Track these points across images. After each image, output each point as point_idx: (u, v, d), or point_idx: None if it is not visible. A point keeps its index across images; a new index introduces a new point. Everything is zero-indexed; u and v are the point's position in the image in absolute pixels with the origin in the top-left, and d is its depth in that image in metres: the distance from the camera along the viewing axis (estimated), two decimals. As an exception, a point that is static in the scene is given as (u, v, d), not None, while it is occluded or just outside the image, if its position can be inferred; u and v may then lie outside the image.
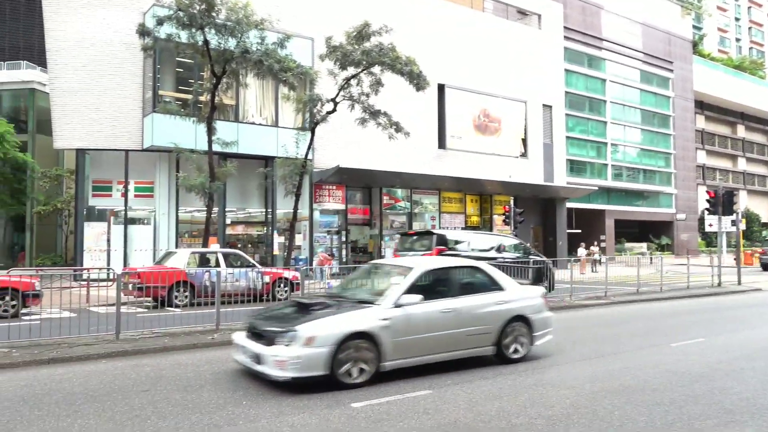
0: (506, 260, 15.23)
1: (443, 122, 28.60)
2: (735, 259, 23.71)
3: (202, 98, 19.82)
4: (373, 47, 19.01)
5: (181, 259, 15.14)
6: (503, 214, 26.44)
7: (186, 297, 14.16)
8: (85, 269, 18.02)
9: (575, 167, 40.89)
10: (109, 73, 21.34)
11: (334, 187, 25.16)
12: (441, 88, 28.26)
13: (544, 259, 17.94)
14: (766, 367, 8.04)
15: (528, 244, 19.78)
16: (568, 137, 37.82)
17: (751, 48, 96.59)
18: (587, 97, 43.27)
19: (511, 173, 30.19)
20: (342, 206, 25.52)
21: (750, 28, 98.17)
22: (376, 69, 19.50)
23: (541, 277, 15.03)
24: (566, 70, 37.83)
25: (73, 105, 21.14)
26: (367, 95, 19.88)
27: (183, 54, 20.07)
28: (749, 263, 35.28)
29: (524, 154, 31.86)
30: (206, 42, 17.34)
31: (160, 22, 17.34)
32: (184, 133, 19.44)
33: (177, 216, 22.10)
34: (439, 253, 15.25)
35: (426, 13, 28.35)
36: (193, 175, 18.51)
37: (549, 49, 34.25)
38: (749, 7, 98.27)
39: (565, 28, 36.90)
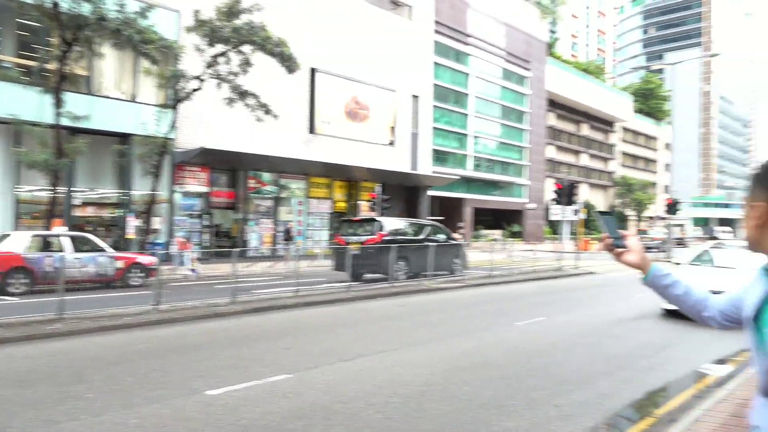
0: (438, 242, 18.22)
1: (314, 107, 28.46)
2: (575, 245, 26.11)
3: (49, 66, 17.99)
4: (243, 25, 18.42)
5: (19, 243, 13.76)
6: (370, 201, 26.93)
7: (23, 284, 12.91)
8: None
9: (439, 157, 42.64)
10: (-67, 29, 18.77)
11: (198, 169, 24.12)
12: (312, 72, 28.08)
13: (461, 241, 20.90)
14: (595, 343, 8.98)
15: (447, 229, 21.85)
16: (434, 128, 39.29)
17: (597, 54, 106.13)
18: (453, 90, 45.20)
19: (379, 160, 30.82)
20: (205, 189, 24.55)
21: (597, 36, 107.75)
22: (246, 48, 18.92)
23: (462, 255, 19.06)
24: (434, 63, 39.18)
25: None
26: (236, 74, 19.25)
27: (28, 16, 18.07)
28: (586, 249, 39.02)
29: (392, 143, 32.62)
30: (56, 5, 15.76)
31: (-3, -23, 15.47)
32: (27, 103, 17.55)
33: (15, 195, 19.97)
34: (382, 238, 16.75)
35: (298, -5, 27.92)
36: (35, 150, 16.82)
37: (419, 41, 35.23)
38: (597, 17, 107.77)
39: (434, 21, 38.14)
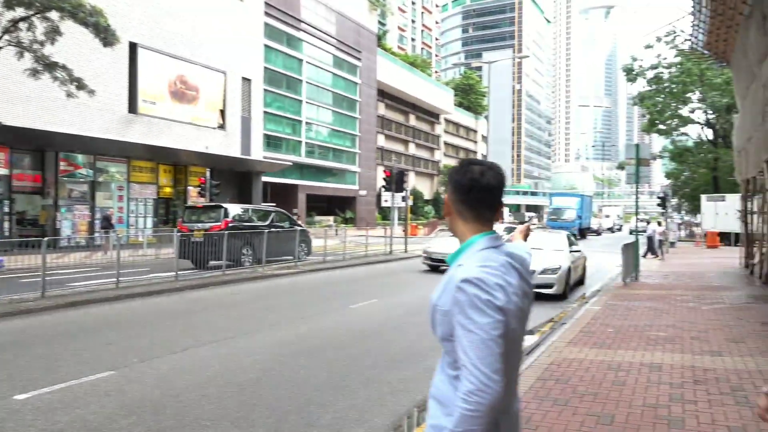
0: (284, 229, 18.66)
1: (135, 85, 26.37)
2: (404, 230, 27.39)
3: None
4: (49, -12, 16.42)
5: None
6: (198, 186, 25.77)
7: None
8: None
9: (272, 142, 42.06)
10: None
11: (-6, 148, 21.20)
12: (133, 48, 25.98)
13: (305, 228, 21.59)
14: (423, 321, 9.53)
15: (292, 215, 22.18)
16: (266, 112, 38.59)
17: (423, 48, 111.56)
18: (285, 75, 44.72)
19: (209, 144, 29.54)
20: (5, 171, 21.67)
21: (422, 31, 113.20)
22: (54, 15, 16.92)
23: (307, 241, 19.65)
24: (266, 46, 38.39)
25: None
26: (42, 43, 17.15)
27: None
28: (414, 234, 41.19)
29: (222, 126, 31.44)
30: None
31: None
32: None
33: None
34: (227, 225, 16.49)
35: (115, -39, 25.58)
36: None
37: (250, 23, 34.21)
38: (422, 13, 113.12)
39: (266, 4, 37.30)
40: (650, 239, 25.46)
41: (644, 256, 24.86)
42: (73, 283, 12.44)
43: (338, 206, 52.64)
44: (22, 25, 16.76)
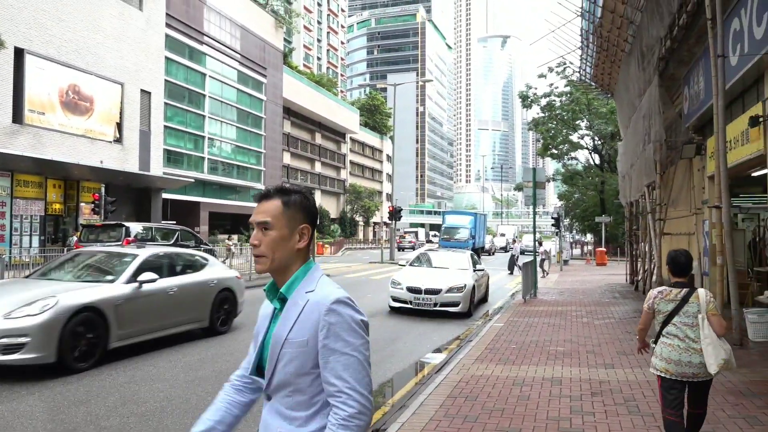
0: (189, 248, 17.17)
1: (21, 93, 24.55)
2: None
3: None
4: None
5: None
6: (92, 203, 24.31)
7: None
8: None
9: (173, 158, 40.56)
10: None
11: None
12: (19, 53, 24.24)
13: (211, 247, 21.38)
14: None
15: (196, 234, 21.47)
16: (166, 127, 37.19)
17: (328, 68, 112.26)
18: (188, 89, 43.38)
19: (103, 159, 27.99)
20: None
21: (328, 51, 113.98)
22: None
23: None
24: (167, 59, 37.12)
25: None
26: None
27: None
28: (321, 253, 41.05)
29: (119, 140, 29.92)
30: None
31: None
32: None
33: None
34: (128, 243, 15.65)
35: (2, -39, 23.89)
36: None
37: (150, 34, 32.96)
38: (328, 33, 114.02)
39: (167, 14, 36.14)
40: (513, 257, 27.83)
41: (510, 272, 26.55)
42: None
43: (243, 224, 51.42)
44: None
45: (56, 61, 25.94)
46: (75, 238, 19.86)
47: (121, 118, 29.92)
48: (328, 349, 1.60)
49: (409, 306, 12.54)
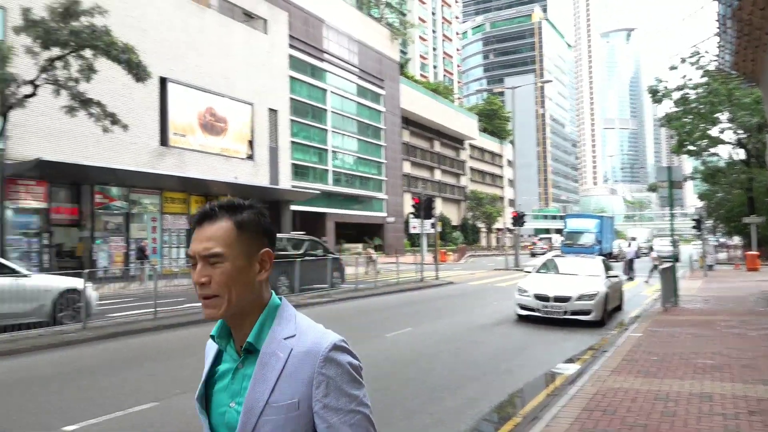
0: (316, 257, 18.67)
1: (166, 118, 27.02)
2: (434, 257, 27.26)
3: None
4: (83, 28, 17.01)
5: None
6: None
7: None
8: None
9: (299, 171, 42.50)
10: None
11: (33, 183, 21.78)
12: (163, 82, 26.69)
13: (338, 256, 21.53)
14: (460, 349, 9.42)
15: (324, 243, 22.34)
16: (292, 142, 39.09)
17: (444, 75, 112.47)
18: (311, 105, 45.36)
19: (238, 175, 29.99)
20: (43, 204, 22.24)
21: (444, 59, 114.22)
22: (88, 53, 17.50)
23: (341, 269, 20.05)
24: (291, 77, 39.07)
25: None
26: (77, 81, 17.71)
27: None
28: (444, 260, 41.01)
29: (251, 157, 31.93)
30: None
31: None
32: None
33: None
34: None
35: (148, 2, 26.47)
36: None
37: (275, 55, 34.94)
38: (443, 41, 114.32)
39: (290, 36, 38.09)
40: (630, 261, 25.70)
41: (629, 278, 24.48)
42: (112, 314, 12.62)
43: (367, 233, 52.70)
44: (58, 64, 17.36)
45: (194, 86, 28.23)
46: None
47: (252, 136, 31.92)
48: (330, 410, 1.27)
49: (536, 314, 12.15)
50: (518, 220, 33.20)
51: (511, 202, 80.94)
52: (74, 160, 21.81)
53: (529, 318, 12.31)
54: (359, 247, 48.44)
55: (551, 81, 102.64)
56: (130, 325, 11.37)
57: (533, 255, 47.85)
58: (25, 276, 10.92)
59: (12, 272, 10.77)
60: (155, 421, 5.66)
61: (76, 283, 11.56)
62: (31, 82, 17.13)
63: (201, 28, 29.25)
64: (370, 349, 9.38)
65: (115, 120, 18.51)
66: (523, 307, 12.47)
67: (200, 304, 1.35)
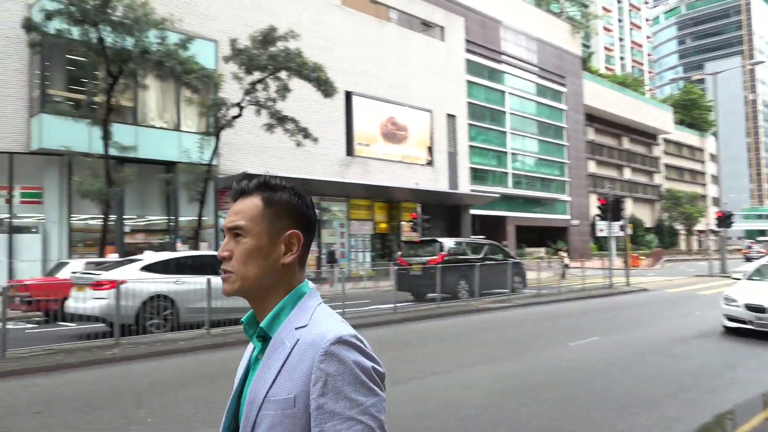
0: (497, 261, 18.42)
1: (351, 129, 28.74)
2: (624, 261, 25.43)
3: (96, 99, 18.69)
4: (279, 52, 18.78)
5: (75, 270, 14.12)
6: (411, 221, 26.89)
7: (80, 310, 13.24)
8: (-39, 283, 16.41)
9: (478, 175, 42.41)
10: (-10, 69, 19.64)
11: (241, 194, 24.52)
12: (348, 96, 28.41)
13: (519, 260, 21.08)
14: (655, 363, 8.65)
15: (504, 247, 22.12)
16: (471, 146, 39.15)
17: (633, 66, 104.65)
18: (488, 108, 45.07)
19: (418, 181, 30.82)
20: (250, 214, 24.92)
21: (632, 48, 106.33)
22: (283, 74, 19.28)
23: (522, 274, 19.37)
24: (468, 82, 39.18)
25: (-53, 103, 19.27)
26: (274, 100, 19.59)
27: (75, 51, 18.87)
28: (636, 265, 38.03)
29: (430, 162, 32.62)
30: (101, 40, 16.39)
31: (48, 16, 16.19)
32: (78, 135, 18.25)
33: (69, 224, 20.66)
34: (443, 258, 16.93)
35: (332, 21, 28.42)
36: (87, 180, 17.39)
37: (452, 61, 35.34)
38: (630, 29, 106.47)
39: (466, 41, 38.24)
40: None
41: None
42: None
43: (549, 237, 50.90)
44: (259, 86, 19.34)
45: (376, 98, 29.62)
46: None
47: (431, 142, 32.61)
48: (324, 413, 1.11)
49: (748, 327, 10.72)
50: (724, 220, 29.65)
51: (715, 201, 72.67)
52: (272, 172, 24.07)
53: (738, 331, 10.90)
54: (541, 251, 46.89)
55: (763, 62, 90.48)
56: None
57: (748, 260, 42.38)
58: None
59: None
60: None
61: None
62: (238, 105, 19.31)
63: (382, 41, 30.62)
64: (552, 358, 9.02)
65: (307, 134, 20.13)
66: (731, 319, 11.08)
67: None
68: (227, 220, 1.29)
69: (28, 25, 16.58)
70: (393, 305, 14.24)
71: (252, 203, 1.29)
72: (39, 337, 10.72)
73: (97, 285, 10.43)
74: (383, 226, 30.54)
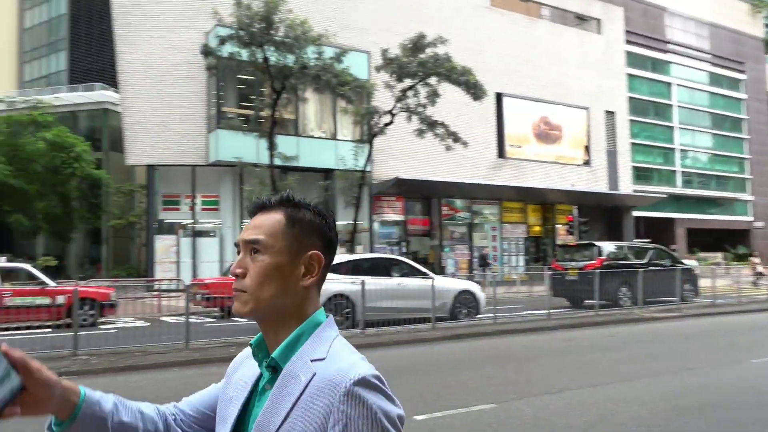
0: (664, 267, 17.05)
1: (502, 131, 28.29)
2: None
3: (263, 113, 20.36)
4: (428, 58, 19.04)
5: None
6: (566, 224, 25.84)
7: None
8: (156, 280, 18.73)
9: (641, 174, 39.55)
10: (176, 91, 22.21)
11: (394, 199, 25.24)
12: (499, 97, 27.99)
13: (690, 266, 19.59)
14: None
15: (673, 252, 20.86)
16: (633, 143, 36.64)
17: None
18: (652, 102, 41.88)
19: (574, 182, 29.47)
20: (401, 217, 25.55)
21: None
22: (432, 80, 19.52)
23: (694, 281, 17.82)
24: (629, 75, 36.73)
25: (143, 123, 22.10)
26: (424, 106, 19.89)
27: (244, 71, 20.71)
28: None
29: (587, 162, 31.06)
30: (266, 59, 17.82)
31: (222, 41, 18.00)
32: (247, 147, 20.01)
33: (241, 228, 22.62)
34: (602, 263, 16.20)
35: (481, 23, 28.21)
36: (256, 188, 18.99)
37: (610, 54, 33.35)
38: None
39: (626, 32, 35.88)
40: None
41: None
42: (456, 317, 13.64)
43: (727, 241, 45.97)
44: (409, 93, 19.76)
45: (528, 98, 28.89)
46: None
47: (588, 141, 31.06)
48: None
49: None
50: None
51: None
52: (424, 177, 24.46)
53: None
54: (718, 256, 42.45)
55: None
56: (472, 327, 12.16)
57: None
58: (430, 278, 12.76)
59: (422, 274, 12.74)
60: (493, 422, 5.90)
61: (471, 285, 13.51)
62: (389, 112, 19.89)
63: (533, 39, 29.80)
64: (726, 375, 8.13)
65: (456, 138, 20.18)
66: None
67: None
68: (244, 233, 1.19)
69: (206, 51, 18.55)
70: (547, 311, 13.73)
71: (274, 218, 1.19)
72: (216, 331, 11.85)
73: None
74: (537, 229, 29.63)
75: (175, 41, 22.22)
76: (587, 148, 31.18)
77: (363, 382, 1.03)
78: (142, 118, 22.11)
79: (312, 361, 1.09)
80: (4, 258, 16.53)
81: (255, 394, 1.17)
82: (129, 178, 29.63)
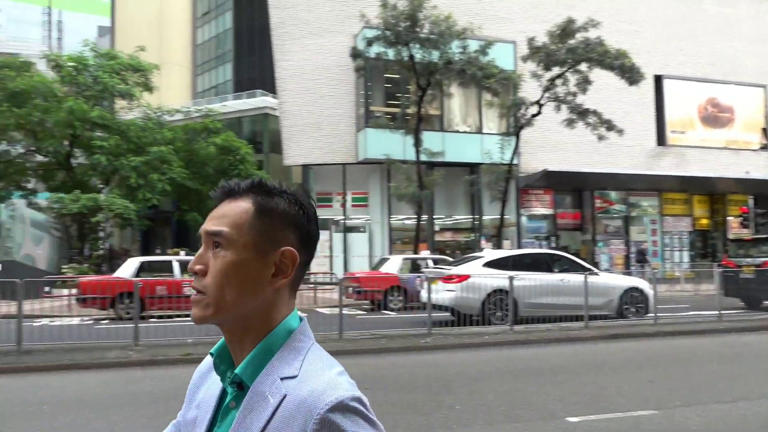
0: None
1: (662, 117, 26.16)
2: None
3: (409, 111, 20.76)
4: (578, 44, 18.20)
5: (394, 265, 15.94)
6: (740, 216, 23.32)
7: (400, 301, 14.88)
8: (312, 273, 19.92)
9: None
10: (327, 93, 23.34)
11: (542, 192, 24.44)
12: (658, 80, 25.90)
13: None
14: None
15: None
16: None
17: None
18: None
19: (749, 169, 26.46)
20: (550, 211, 24.68)
21: None
22: (583, 66, 18.61)
23: None
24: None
25: (298, 126, 23.52)
26: (574, 94, 19.05)
27: (390, 70, 21.25)
28: None
29: (765, 147, 27.75)
30: (411, 57, 18.16)
31: (369, 43, 18.63)
32: (394, 144, 20.52)
33: (389, 224, 23.35)
34: None
35: (637, 2, 26.26)
36: (402, 184, 19.45)
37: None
38: None
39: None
40: None
41: None
42: (611, 317, 12.93)
43: None
44: (558, 81, 19.01)
45: (691, 78, 26.46)
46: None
47: (766, 123, 27.77)
48: None
49: None
50: None
51: None
52: (575, 168, 23.39)
53: None
54: None
55: None
56: (629, 328, 11.45)
57: None
58: (596, 274, 12.51)
59: (585, 270, 12.44)
60: (655, 430, 5.56)
61: (639, 282, 12.95)
62: (536, 103, 19.32)
63: (696, 14, 27.20)
64: None
65: (610, 126, 19.09)
66: None
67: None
68: (206, 224, 1.02)
69: (354, 53, 19.31)
70: (717, 312, 12.52)
71: (240, 207, 1.01)
72: (367, 323, 12.35)
73: (448, 279, 11.73)
74: (704, 221, 27.05)
75: (326, 46, 23.34)
76: (765, 131, 27.84)
77: (340, 407, 0.88)
78: (298, 120, 23.53)
79: (282, 379, 0.94)
80: (183, 252, 18.57)
81: (219, 414, 1.01)
82: (287, 177, 31.64)
